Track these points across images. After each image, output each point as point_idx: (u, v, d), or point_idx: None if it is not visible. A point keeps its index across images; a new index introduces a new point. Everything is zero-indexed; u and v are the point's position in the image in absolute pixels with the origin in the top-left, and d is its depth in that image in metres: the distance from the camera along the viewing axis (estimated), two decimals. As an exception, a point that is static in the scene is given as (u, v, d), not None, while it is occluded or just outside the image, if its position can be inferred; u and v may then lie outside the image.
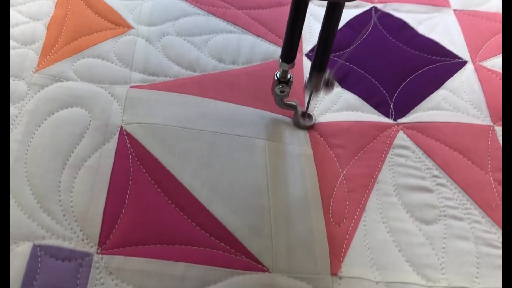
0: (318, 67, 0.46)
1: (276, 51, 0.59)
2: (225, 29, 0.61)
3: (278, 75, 0.48)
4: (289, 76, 0.48)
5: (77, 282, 0.40)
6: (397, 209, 0.48)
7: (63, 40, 0.57)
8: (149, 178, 0.47)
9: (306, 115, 0.53)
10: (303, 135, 0.52)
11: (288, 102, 0.52)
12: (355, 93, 0.56)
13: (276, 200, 0.48)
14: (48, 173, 0.46)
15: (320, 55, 0.45)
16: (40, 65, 0.54)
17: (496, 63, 0.61)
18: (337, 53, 0.59)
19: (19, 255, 0.41)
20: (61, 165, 0.47)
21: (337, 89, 0.56)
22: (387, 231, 0.47)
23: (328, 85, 0.48)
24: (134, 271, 0.42)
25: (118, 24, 0.60)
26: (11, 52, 0.55)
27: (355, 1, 0.40)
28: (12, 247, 0.41)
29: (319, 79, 0.47)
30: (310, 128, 0.53)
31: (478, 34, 0.64)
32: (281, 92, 0.49)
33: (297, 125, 0.53)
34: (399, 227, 0.47)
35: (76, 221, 0.44)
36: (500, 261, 0.46)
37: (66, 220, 0.44)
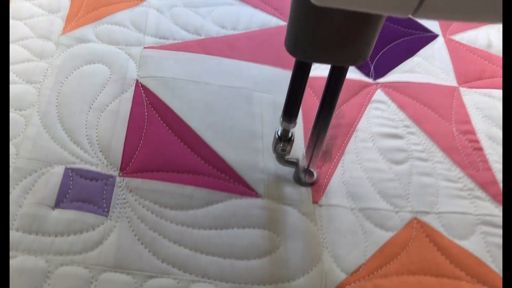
0: (320, 126, 0.45)
1: (271, 20, 0.68)
2: (226, 2, 0.69)
3: (279, 133, 0.47)
4: (290, 135, 0.47)
5: (103, 196, 0.49)
6: (372, 152, 0.57)
7: (85, 9, 0.65)
8: (161, 121, 0.56)
9: (308, 171, 0.52)
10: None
11: (289, 159, 0.51)
12: (340, 55, 0.64)
13: (268, 144, 0.56)
14: (76, 114, 0.54)
15: (323, 115, 0.44)
16: (66, 29, 0.63)
17: (463, 37, 0.70)
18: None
19: (54, 175, 0.49)
20: (87, 108, 0.55)
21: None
22: (362, 169, 0.55)
23: (326, 154, 0.50)
24: (150, 190, 0.50)
25: (132, -3, 0.68)
26: (41, 18, 0.64)
27: None
28: (47, 169, 0.49)
29: (320, 140, 0.46)
30: (312, 185, 0.53)
31: (450, 13, 0.73)
32: (282, 150, 0.48)
33: (298, 182, 0.52)
34: (372, 167, 0.55)
35: (101, 151, 0.52)
36: (456, 192, 0.54)
37: (92, 150, 0.52)
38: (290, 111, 0.44)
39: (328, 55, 0.36)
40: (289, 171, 0.54)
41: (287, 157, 0.51)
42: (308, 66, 0.40)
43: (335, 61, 0.37)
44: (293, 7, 0.34)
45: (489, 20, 0.26)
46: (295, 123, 0.45)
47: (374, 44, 0.35)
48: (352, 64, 0.37)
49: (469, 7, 0.25)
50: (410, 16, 0.26)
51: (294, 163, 0.52)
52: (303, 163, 0.51)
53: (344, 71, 0.39)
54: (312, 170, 0.52)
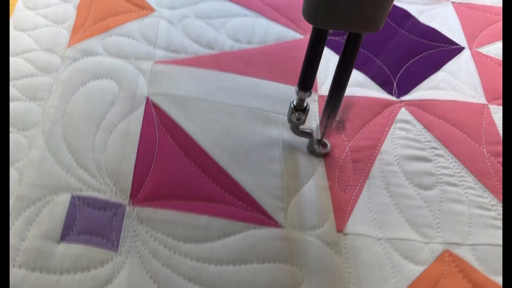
0: (335, 96, 0.46)
1: (288, 33, 0.64)
2: (241, 13, 0.66)
3: (294, 103, 0.48)
4: (305, 105, 0.49)
5: (112, 228, 0.45)
6: (398, 177, 0.53)
7: (92, 20, 0.62)
8: (173, 143, 0.52)
9: (322, 143, 0.53)
10: (315, 109, 0.57)
11: (304, 130, 0.52)
12: (362, 72, 0.61)
13: (287, 169, 0.52)
14: (83, 135, 0.51)
15: (337, 85, 0.45)
16: (72, 41, 0.59)
17: (490, 49, 0.66)
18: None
19: (60, 204, 0.46)
20: (95, 129, 0.51)
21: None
22: (388, 195, 0.52)
23: (340, 124, 0.50)
24: (163, 220, 0.46)
25: (142, 7, 0.64)
26: (45, 29, 0.60)
27: None
28: (52, 197, 0.46)
29: (334, 110, 0.48)
30: (326, 155, 0.54)
31: (475, 24, 0.69)
32: (297, 120, 0.49)
33: (312, 153, 0.53)
34: (399, 192, 0.52)
35: (109, 177, 0.48)
36: (490, 221, 0.50)
37: (100, 175, 0.48)
38: (306, 81, 0.45)
39: (345, 22, 0.38)
40: (309, 196, 0.50)
41: (301, 127, 0.52)
42: (324, 35, 0.42)
43: (352, 28, 0.39)
44: None
45: None
46: (311, 93, 0.47)
47: (387, 12, 0.37)
48: (367, 31, 0.39)
49: None
50: None
51: (308, 134, 0.52)
52: (317, 134, 0.52)
53: (359, 39, 0.41)
54: (325, 141, 0.53)
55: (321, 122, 0.50)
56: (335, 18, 0.37)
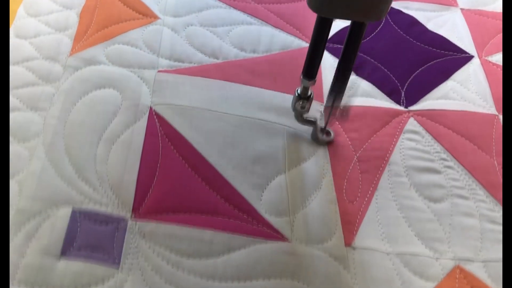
0: (338, 84, 0.47)
1: (293, 41, 0.63)
2: (246, 21, 0.65)
3: (299, 91, 0.49)
4: (309, 93, 0.49)
5: (113, 243, 0.44)
6: (407, 189, 0.52)
7: (95, 27, 0.61)
8: (177, 154, 0.51)
9: (325, 131, 0.54)
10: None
11: (307, 118, 0.52)
12: (369, 81, 0.60)
13: (293, 181, 0.51)
14: (85, 146, 0.50)
15: (341, 74, 0.46)
16: (74, 50, 0.58)
17: (500, 58, 0.65)
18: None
19: (60, 218, 0.44)
20: (97, 140, 0.50)
21: (353, 77, 0.60)
22: (397, 208, 0.50)
23: (343, 114, 0.51)
24: (166, 235, 0.45)
25: (145, 15, 0.63)
26: (47, 37, 0.59)
27: None
28: (53, 211, 0.45)
29: (339, 97, 0.48)
30: (329, 143, 0.54)
31: (484, 32, 0.68)
32: (301, 108, 0.50)
33: (316, 141, 0.54)
34: (408, 205, 0.51)
35: (111, 189, 0.47)
36: (502, 236, 0.49)
37: (102, 188, 0.47)
38: (310, 70, 0.45)
39: (348, 10, 0.39)
40: (316, 208, 0.49)
41: (305, 115, 0.52)
42: (328, 24, 0.42)
43: (355, 16, 0.40)
44: None
45: None
46: (315, 81, 0.47)
47: (391, 2, 0.38)
48: (370, 19, 0.40)
49: None
50: None
51: (312, 122, 0.53)
52: (321, 122, 0.53)
53: (363, 28, 0.42)
54: (329, 129, 0.54)
55: (325, 109, 0.50)
56: (339, 6, 0.38)
